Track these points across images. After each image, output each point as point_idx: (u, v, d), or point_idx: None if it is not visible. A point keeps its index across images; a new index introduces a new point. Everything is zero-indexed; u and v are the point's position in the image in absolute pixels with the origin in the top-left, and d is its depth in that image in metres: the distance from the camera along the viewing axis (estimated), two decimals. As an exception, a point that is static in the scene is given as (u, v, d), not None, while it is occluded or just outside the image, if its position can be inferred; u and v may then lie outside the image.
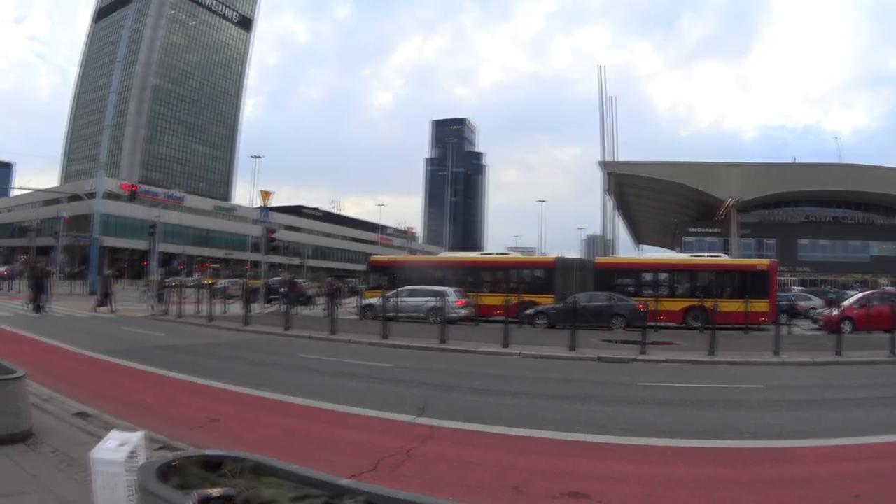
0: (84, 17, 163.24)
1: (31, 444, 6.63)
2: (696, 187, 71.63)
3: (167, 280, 41.80)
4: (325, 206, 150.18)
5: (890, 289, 41.09)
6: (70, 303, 33.47)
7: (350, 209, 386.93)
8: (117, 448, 3.55)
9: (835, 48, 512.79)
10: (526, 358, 16.98)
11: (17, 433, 6.64)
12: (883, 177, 69.54)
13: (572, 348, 17.69)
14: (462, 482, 6.02)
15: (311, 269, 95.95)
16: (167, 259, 49.71)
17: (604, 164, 56.95)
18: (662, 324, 27.02)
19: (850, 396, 12.46)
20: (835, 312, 26.53)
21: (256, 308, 31.37)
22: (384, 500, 2.95)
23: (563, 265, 32.89)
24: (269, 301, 34.61)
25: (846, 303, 28.04)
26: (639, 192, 78.40)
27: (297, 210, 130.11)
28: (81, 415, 8.11)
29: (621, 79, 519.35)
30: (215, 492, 2.86)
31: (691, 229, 78.42)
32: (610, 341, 21.04)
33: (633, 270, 32.38)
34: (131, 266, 79.50)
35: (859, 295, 28.68)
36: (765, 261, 33.69)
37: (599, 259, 37.80)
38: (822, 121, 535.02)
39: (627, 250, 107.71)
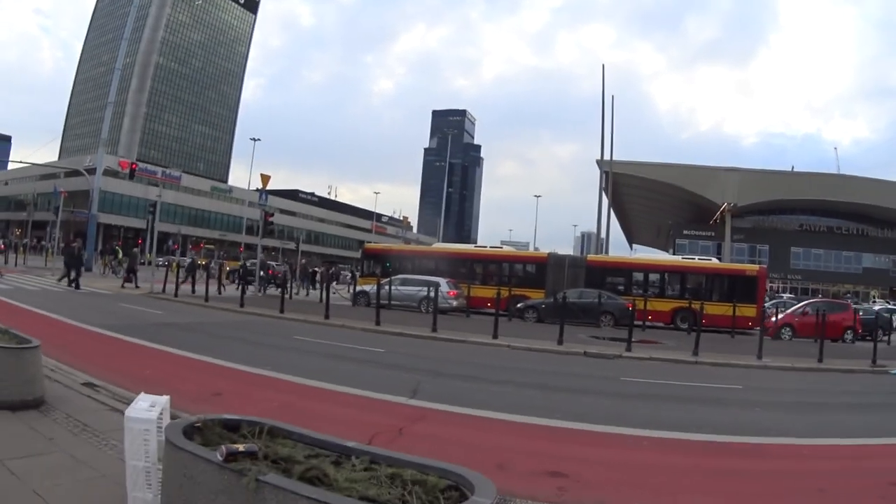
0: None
1: (44, 411, 6.88)
2: (692, 190, 71.92)
3: (161, 259, 42.20)
4: (321, 192, 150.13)
5: (833, 299, 41.48)
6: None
7: (345, 195, 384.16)
8: (149, 408, 3.96)
9: (840, 57, 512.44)
10: (514, 350, 17.38)
11: (31, 399, 6.90)
12: (880, 189, 69.83)
13: (560, 342, 18.06)
14: (450, 458, 6.46)
15: (304, 254, 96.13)
16: (162, 238, 49.77)
17: (601, 163, 57.16)
18: (651, 323, 27.51)
19: (825, 401, 12.91)
20: (774, 319, 26.87)
21: (231, 289, 31.92)
22: (387, 459, 3.37)
23: (555, 261, 33.28)
24: (243, 282, 34.19)
25: (789, 311, 28.67)
26: (635, 191, 78.63)
27: (292, 194, 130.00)
28: (89, 385, 8.38)
29: (624, 77, 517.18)
30: (241, 447, 3.26)
31: (685, 232, 78.74)
32: (597, 338, 21.43)
33: (624, 269, 32.74)
34: (125, 244, 79.61)
35: (802, 304, 29.14)
36: (754, 266, 34.12)
37: (591, 257, 38.26)
38: (822, 130, 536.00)
39: (620, 249, 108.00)
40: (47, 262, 44.11)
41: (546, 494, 5.87)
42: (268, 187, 37.92)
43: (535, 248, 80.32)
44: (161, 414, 3.97)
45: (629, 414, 9.90)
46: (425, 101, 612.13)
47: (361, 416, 8.65)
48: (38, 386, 7.17)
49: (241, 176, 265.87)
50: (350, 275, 56.31)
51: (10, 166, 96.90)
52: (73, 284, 27.27)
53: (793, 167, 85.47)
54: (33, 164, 64.64)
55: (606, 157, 54.65)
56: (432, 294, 21.72)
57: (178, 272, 30.20)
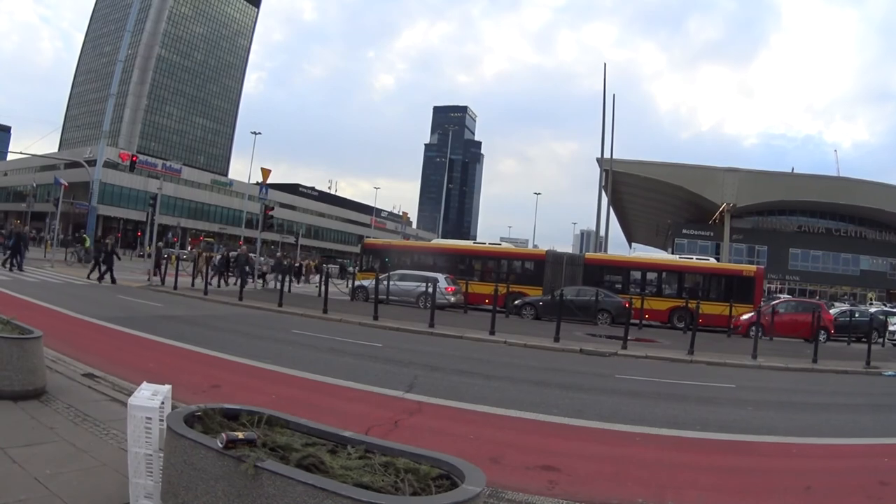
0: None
1: (45, 401, 6.98)
2: (691, 190, 72.02)
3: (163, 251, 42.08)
4: (321, 186, 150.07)
5: (805, 299, 41.46)
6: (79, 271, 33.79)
7: (345, 190, 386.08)
8: (152, 397, 4.06)
9: (842, 60, 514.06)
10: (511, 346, 17.50)
11: (32, 389, 7.00)
12: (879, 193, 70.02)
13: (556, 339, 18.16)
14: (444, 451, 6.59)
15: (303, 248, 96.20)
16: (162, 231, 49.83)
17: (602, 161, 57.28)
18: (647, 322, 27.65)
19: (817, 401, 12.95)
20: (744, 318, 26.91)
21: (215, 282, 32.07)
22: (381, 448, 3.49)
23: (553, 258, 33.37)
24: (227, 274, 34.11)
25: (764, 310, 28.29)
26: (635, 190, 78.78)
27: (293, 188, 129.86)
28: (89, 376, 8.48)
29: (625, 77, 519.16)
30: (240, 434, 3.38)
31: (684, 231, 78.89)
32: (594, 335, 21.55)
33: (622, 268, 32.88)
34: (125, 235, 79.65)
35: (773, 303, 28.90)
36: (752, 267, 34.22)
37: (589, 255, 38.42)
38: (823, 132, 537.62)
39: (619, 248, 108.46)
40: (46, 253, 44.12)
41: (537, 488, 5.98)
42: (268, 181, 38.01)
43: (535, 246, 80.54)
44: (163, 403, 4.07)
45: (623, 411, 9.99)
46: (426, 97, 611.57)
47: (358, 409, 8.77)
48: (39, 376, 7.26)
49: (242, 169, 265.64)
50: (339, 268, 56.30)
51: (10, 157, 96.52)
52: (102, 279, 27.73)
53: (793, 168, 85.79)
54: (34, 154, 64.54)
55: (607, 155, 54.78)
56: (430, 290, 21.80)
57: (177, 264, 30.24)
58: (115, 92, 60.98)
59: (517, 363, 14.61)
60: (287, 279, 28.99)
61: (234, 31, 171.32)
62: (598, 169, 60.91)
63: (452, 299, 28.66)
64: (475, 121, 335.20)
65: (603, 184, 57.32)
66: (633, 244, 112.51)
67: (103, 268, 28.08)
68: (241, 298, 23.80)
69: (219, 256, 36.87)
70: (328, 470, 3.16)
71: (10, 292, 19.82)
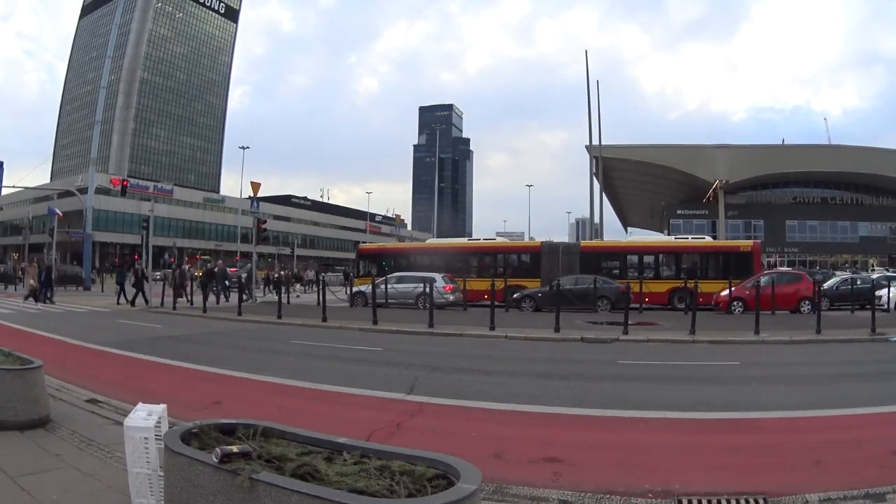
0: (71, 12, 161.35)
1: (50, 429, 7.02)
2: (683, 170, 72.02)
3: (157, 273, 41.82)
4: (314, 195, 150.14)
5: (787, 269, 41.09)
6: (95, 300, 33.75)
7: (338, 197, 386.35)
8: (147, 417, 4.09)
9: (826, 27, 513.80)
10: (512, 340, 17.50)
11: (37, 418, 7.05)
12: (871, 158, 70.00)
13: (557, 330, 18.17)
14: (447, 450, 6.61)
15: (300, 258, 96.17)
16: (157, 252, 49.82)
17: (591, 148, 57.30)
18: (647, 305, 27.63)
19: (823, 373, 12.90)
20: (724, 293, 26.72)
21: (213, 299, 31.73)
22: (377, 452, 3.51)
23: (549, 249, 33.38)
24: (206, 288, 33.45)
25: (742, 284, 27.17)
26: (626, 175, 78.73)
27: (285, 200, 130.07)
28: (93, 401, 8.52)
29: (609, 62, 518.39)
30: (235, 448, 3.40)
31: (679, 212, 78.86)
32: (594, 323, 21.51)
33: (618, 253, 32.91)
34: (122, 260, 79.65)
35: (754, 277, 27.80)
36: (748, 242, 34.26)
37: (585, 242, 38.49)
38: (811, 101, 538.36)
39: (616, 234, 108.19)
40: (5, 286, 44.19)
41: (542, 480, 5.97)
42: (260, 194, 38.05)
43: (531, 238, 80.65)
44: (159, 422, 4.09)
45: (626, 396, 9.97)
46: (411, 98, 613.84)
47: (359, 414, 8.78)
48: (42, 405, 7.30)
49: (233, 185, 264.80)
50: (315, 273, 56.07)
51: (5, 191, 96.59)
52: (135, 302, 28.78)
53: (783, 140, 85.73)
54: (26, 187, 64.67)
55: (595, 142, 54.76)
56: (428, 290, 21.80)
57: (163, 286, 30.13)
58: (101, 118, 60.78)
59: (518, 357, 14.66)
60: (266, 290, 28.86)
61: (215, 49, 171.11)
62: (588, 156, 60.92)
63: (451, 298, 28.65)
64: (462, 118, 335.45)
65: (594, 171, 57.31)
66: (629, 228, 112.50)
67: (133, 292, 29.02)
68: (240, 313, 23.78)
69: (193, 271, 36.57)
70: (324, 478, 3.17)
71: (12, 324, 19.88)
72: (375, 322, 20.26)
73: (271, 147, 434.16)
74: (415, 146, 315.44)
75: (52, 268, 32.87)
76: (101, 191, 77.72)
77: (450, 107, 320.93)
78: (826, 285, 29.18)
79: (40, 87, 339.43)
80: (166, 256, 70.13)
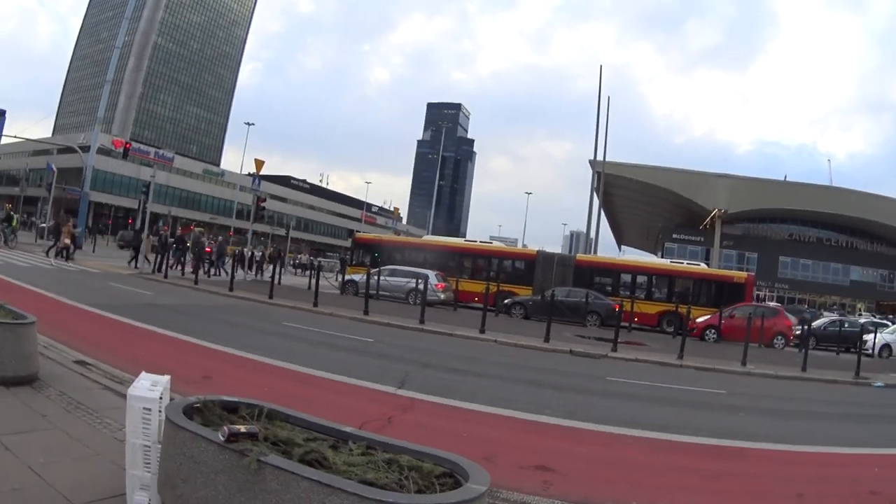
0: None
1: (37, 387, 6.90)
2: (683, 194, 72.04)
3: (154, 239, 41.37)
4: (313, 179, 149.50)
5: (767, 304, 41.05)
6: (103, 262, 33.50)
7: (337, 184, 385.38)
8: (152, 388, 4.02)
9: (840, 69, 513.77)
10: (501, 345, 17.51)
11: (25, 376, 6.92)
12: (871, 204, 70.12)
13: (546, 340, 18.20)
14: (439, 448, 6.65)
15: (293, 241, 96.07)
16: (152, 219, 49.53)
17: (594, 163, 57.32)
18: (637, 325, 27.67)
19: (808, 409, 13.03)
20: (700, 320, 26.68)
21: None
22: (383, 444, 3.47)
23: (544, 259, 33.38)
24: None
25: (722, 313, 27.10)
26: (626, 193, 78.80)
27: (284, 180, 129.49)
28: (81, 363, 8.40)
29: (621, 79, 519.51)
30: (242, 428, 3.35)
31: (674, 235, 78.84)
32: (583, 337, 21.56)
33: (612, 270, 32.84)
34: (115, 223, 79.35)
35: (730, 307, 27.65)
36: (743, 273, 34.26)
37: (581, 256, 38.41)
38: (818, 141, 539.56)
39: (609, 250, 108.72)
40: (38, 238, 43.87)
41: (533, 488, 5.99)
42: (260, 173, 37.89)
43: (524, 245, 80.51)
44: (162, 394, 4.03)
45: (615, 413, 10.02)
46: (420, 93, 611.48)
47: (351, 404, 8.75)
48: (32, 363, 7.18)
49: (234, 160, 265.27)
50: (339, 262, 55.61)
51: (4, 140, 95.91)
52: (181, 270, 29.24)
53: (785, 176, 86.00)
54: (28, 139, 64.05)
55: (600, 157, 54.79)
56: (420, 286, 21.75)
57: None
58: (112, 79, 60.46)
59: (508, 362, 14.65)
60: (237, 267, 28.44)
61: (231, 21, 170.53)
62: (590, 170, 60.93)
63: (442, 296, 28.61)
64: (469, 118, 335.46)
65: (595, 185, 57.33)
66: (623, 247, 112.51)
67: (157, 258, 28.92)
68: (231, 289, 23.68)
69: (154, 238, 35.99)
70: (331, 466, 3.14)
71: (3, 276, 19.70)
72: (366, 313, 20.20)
73: (276, 126, 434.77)
74: (419, 141, 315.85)
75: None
76: (102, 151, 77.22)
77: (458, 106, 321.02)
78: (814, 325, 29.18)
79: (52, 39, 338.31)
80: (160, 224, 69.80)
